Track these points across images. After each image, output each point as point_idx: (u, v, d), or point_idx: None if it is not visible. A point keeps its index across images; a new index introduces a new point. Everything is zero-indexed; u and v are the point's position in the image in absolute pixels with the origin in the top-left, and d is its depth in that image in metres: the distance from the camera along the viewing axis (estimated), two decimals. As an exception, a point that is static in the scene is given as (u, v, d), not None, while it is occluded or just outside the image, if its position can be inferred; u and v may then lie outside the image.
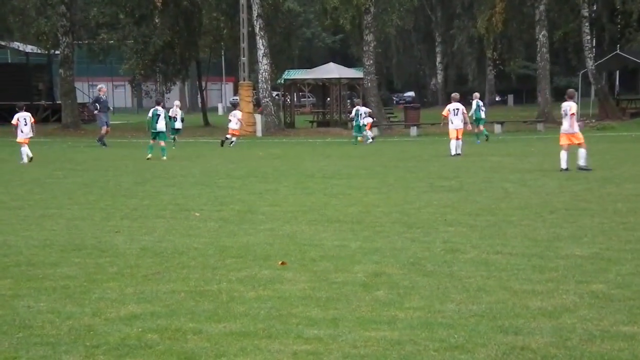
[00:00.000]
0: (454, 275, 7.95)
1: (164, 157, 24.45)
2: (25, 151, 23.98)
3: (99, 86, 36.65)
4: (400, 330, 6.11)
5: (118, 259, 8.98)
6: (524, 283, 7.57)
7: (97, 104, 33.86)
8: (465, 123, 25.16)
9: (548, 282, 7.60)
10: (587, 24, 44.57)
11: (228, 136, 31.63)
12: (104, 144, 32.10)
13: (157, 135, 25.51)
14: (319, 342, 5.87)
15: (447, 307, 6.74)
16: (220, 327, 6.26)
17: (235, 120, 31.63)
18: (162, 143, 25.27)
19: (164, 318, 6.54)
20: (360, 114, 32.66)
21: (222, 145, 31.13)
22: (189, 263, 8.74)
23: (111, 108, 35.84)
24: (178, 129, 31.97)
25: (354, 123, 33.05)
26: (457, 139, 24.41)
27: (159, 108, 25.97)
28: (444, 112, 25.47)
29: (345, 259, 8.78)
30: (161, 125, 25.53)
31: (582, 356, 5.49)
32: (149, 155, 24.51)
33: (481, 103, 31.63)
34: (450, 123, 24.82)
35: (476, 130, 30.01)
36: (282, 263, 8.59)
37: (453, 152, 24.15)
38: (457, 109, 25.05)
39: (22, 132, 24.54)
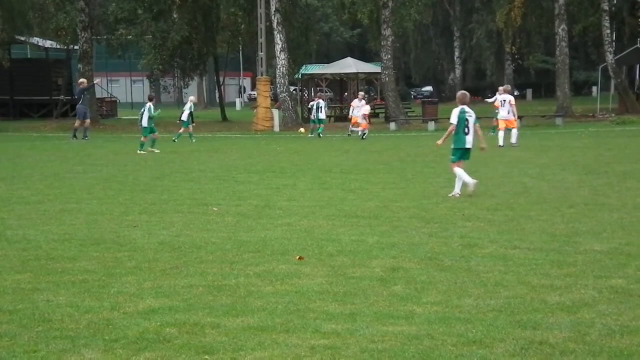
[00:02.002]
0: (472, 270, 7.93)
1: (141, 152, 24.97)
2: None
3: (80, 80, 36.97)
4: (418, 325, 6.11)
5: (136, 254, 9.02)
6: (542, 278, 7.54)
7: (82, 96, 34.27)
8: (514, 115, 25.70)
9: (566, 277, 7.57)
10: (607, 18, 44.22)
11: (354, 129, 32.38)
12: (75, 137, 32.48)
13: (151, 130, 25.89)
14: (336, 336, 5.88)
15: (465, 302, 6.73)
16: (238, 322, 6.28)
17: (359, 112, 32.28)
18: (143, 139, 25.66)
19: (182, 312, 6.57)
20: (321, 107, 34.22)
21: (362, 138, 31.57)
22: (207, 257, 8.77)
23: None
24: (183, 121, 32.26)
25: (314, 117, 34.48)
26: (508, 128, 25.13)
27: (150, 104, 26.37)
28: (495, 103, 26.44)
29: (363, 254, 8.78)
30: (145, 121, 25.90)
31: (601, 351, 5.46)
32: (156, 150, 25.20)
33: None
34: (498, 114, 25.81)
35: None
36: (300, 258, 8.60)
37: (501, 143, 24.69)
38: (504, 100, 25.63)
39: None
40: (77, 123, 33.06)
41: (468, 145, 13.51)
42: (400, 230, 10.29)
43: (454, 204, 12.53)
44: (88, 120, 33.59)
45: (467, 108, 13.54)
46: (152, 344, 5.80)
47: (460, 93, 13.99)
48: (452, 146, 13.60)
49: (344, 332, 5.97)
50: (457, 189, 13.40)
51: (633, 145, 24.94)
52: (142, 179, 17.32)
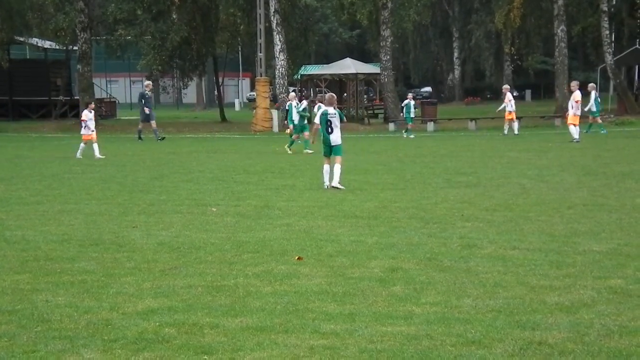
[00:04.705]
0: (471, 270, 7.93)
1: (307, 150, 24.42)
2: None
3: (147, 82, 36.50)
4: (417, 325, 6.11)
5: (135, 254, 9.02)
6: (541, 278, 7.54)
7: (142, 100, 34.11)
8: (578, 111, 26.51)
9: (565, 277, 7.58)
10: (606, 19, 44.23)
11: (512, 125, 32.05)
12: (162, 138, 32.03)
13: (302, 128, 25.68)
14: (335, 336, 5.88)
15: (464, 303, 6.73)
16: (237, 322, 6.29)
17: (510, 103, 31.83)
18: (297, 136, 25.65)
19: (181, 313, 6.57)
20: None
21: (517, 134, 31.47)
22: (206, 258, 8.77)
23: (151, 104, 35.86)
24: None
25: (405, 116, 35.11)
26: (575, 125, 26.06)
27: (293, 102, 26.20)
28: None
29: (362, 255, 8.78)
30: (296, 119, 25.80)
31: (599, 351, 5.47)
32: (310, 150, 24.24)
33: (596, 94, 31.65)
34: (570, 109, 26.53)
35: (592, 121, 31.48)
36: (299, 258, 8.61)
37: (576, 137, 25.94)
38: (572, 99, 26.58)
39: None
40: (153, 124, 32.86)
41: (333, 143, 15.11)
42: (399, 230, 10.29)
43: (452, 205, 12.54)
44: (153, 122, 33.25)
45: (331, 110, 15.09)
46: (151, 344, 5.80)
47: (328, 95, 15.68)
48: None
49: (343, 332, 5.97)
50: (326, 180, 15.04)
51: (631, 146, 24.95)
52: (141, 180, 17.32)
